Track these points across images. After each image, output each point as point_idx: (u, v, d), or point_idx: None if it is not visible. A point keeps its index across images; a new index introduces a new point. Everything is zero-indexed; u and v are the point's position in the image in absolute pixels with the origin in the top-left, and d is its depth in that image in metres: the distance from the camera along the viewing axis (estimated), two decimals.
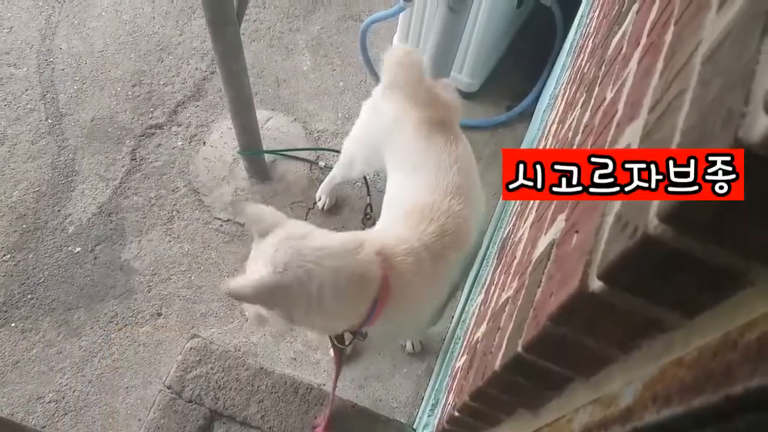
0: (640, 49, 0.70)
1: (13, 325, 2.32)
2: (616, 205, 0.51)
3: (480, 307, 1.48)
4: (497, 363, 0.82)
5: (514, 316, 0.84)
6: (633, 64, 0.71)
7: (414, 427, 1.93)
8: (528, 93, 2.83)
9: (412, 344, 2.30)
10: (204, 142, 2.75)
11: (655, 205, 0.41)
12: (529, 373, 0.77)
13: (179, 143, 2.75)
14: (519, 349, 0.72)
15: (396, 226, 1.63)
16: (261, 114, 2.60)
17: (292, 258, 1.37)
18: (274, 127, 2.80)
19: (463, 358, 1.37)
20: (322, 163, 2.69)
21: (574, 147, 0.95)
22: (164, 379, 1.82)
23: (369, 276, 1.46)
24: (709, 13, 0.46)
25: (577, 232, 0.63)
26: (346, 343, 1.74)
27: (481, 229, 1.83)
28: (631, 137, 0.57)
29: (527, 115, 2.80)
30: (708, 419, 0.42)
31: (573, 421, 0.67)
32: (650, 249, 0.42)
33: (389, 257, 1.50)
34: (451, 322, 2.31)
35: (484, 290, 1.56)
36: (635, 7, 0.88)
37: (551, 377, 0.73)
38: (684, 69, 0.47)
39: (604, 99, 0.82)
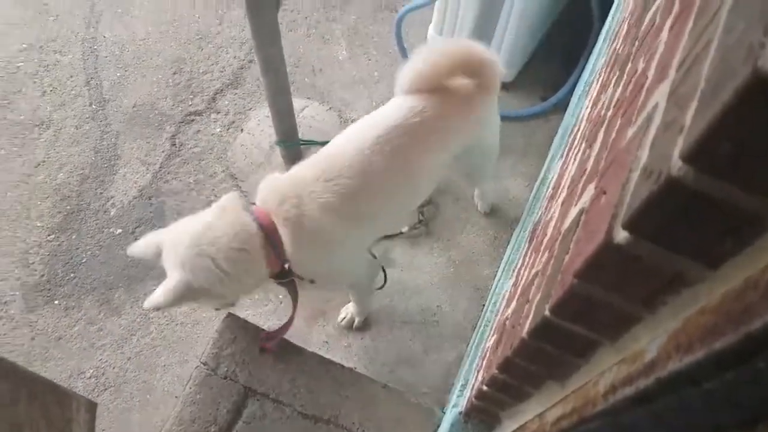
0: (672, 16, 0.71)
1: (56, 302, 2.40)
2: (643, 158, 0.53)
3: (510, 289, 1.49)
4: (525, 330, 0.84)
5: (543, 285, 0.86)
6: (664, 33, 0.71)
7: (444, 410, 1.95)
8: (563, 84, 2.82)
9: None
10: (241, 129, 2.80)
11: (678, 148, 0.42)
12: (556, 339, 0.78)
13: (217, 130, 2.80)
14: (546, 312, 0.73)
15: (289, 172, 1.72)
16: (297, 102, 2.63)
17: (184, 258, 1.53)
18: (310, 116, 2.84)
19: (493, 338, 1.38)
20: None
21: (605, 123, 0.95)
22: (200, 356, 1.86)
23: (243, 235, 1.57)
24: None
25: (605, 193, 0.64)
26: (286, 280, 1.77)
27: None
28: (658, 97, 0.58)
29: (562, 107, 2.79)
30: (729, 361, 0.43)
31: (599, 383, 0.69)
32: (673, 192, 0.43)
33: (262, 211, 1.61)
34: (482, 309, 2.32)
35: (514, 273, 1.57)
36: None
37: (578, 342, 0.74)
38: (711, 23, 0.48)
39: (636, 71, 0.83)
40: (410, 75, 1.72)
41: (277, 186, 1.66)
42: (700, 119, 0.39)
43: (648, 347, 0.57)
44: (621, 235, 0.52)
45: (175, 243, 1.57)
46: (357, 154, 1.63)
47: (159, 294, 1.51)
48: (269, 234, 1.60)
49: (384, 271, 2.07)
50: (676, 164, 0.42)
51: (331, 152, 1.69)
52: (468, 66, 1.72)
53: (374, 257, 2.01)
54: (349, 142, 1.68)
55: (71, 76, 2.94)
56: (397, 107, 1.71)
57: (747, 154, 0.38)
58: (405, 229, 2.53)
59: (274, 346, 1.88)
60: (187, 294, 1.54)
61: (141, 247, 1.65)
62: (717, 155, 0.39)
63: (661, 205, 0.46)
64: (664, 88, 0.57)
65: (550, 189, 1.64)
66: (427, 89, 1.72)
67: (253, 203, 1.69)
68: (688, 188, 0.42)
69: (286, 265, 1.66)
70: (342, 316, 2.33)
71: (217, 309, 1.94)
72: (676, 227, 0.47)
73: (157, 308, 1.53)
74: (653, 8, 0.93)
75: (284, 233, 1.60)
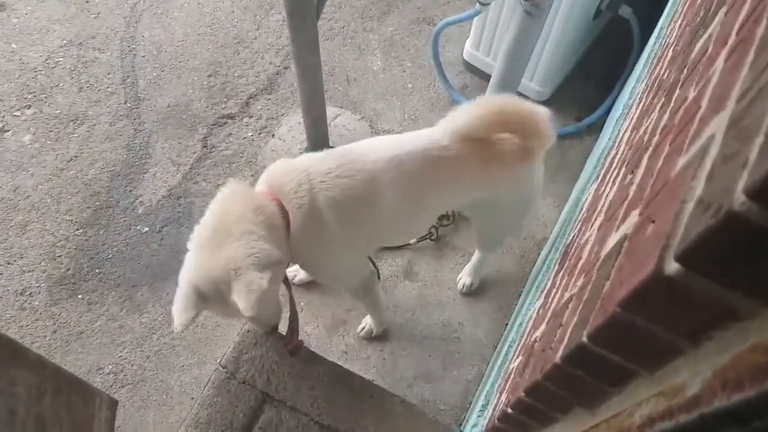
0: (727, 47, 0.70)
1: (80, 296, 2.42)
2: (698, 189, 0.51)
3: (539, 310, 1.47)
4: (558, 355, 0.82)
5: (579, 310, 0.84)
6: (719, 62, 0.70)
7: (462, 429, 1.93)
8: (599, 105, 2.80)
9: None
10: (273, 135, 2.81)
11: (742, 182, 0.41)
12: (591, 366, 0.76)
13: (249, 134, 2.82)
14: (583, 338, 0.72)
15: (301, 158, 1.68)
16: (330, 110, 2.64)
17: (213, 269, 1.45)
18: (341, 124, 2.84)
19: (518, 359, 1.36)
20: None
21: (650, 149, 0.94)
22: (219, 359, 1.87)
23: (267, 208, 1.54)
24: None
25: (653, 222, 0.63)
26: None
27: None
28: (715, 128, 0.56)
29: (596, 128, 2.77)
30: None
31: (634, 414, 0.67)
32: (734, 227, 0.42)
33: (272, 194, 1.58)
34: (504, 330, 2.30)
35: (543, 295, 1.55)
36: (723, 9, 0.87)
37: (614, 371, 0.72)
38: None
39: (686, 98, 0.81)
40: (457, 125, 1.63)
41: (290, 171, 1.63)
42: None
43: (689, 381, 0.56)
44: (672, 267, 0.51)
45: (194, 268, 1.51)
46: (372, 163, 1.62)
47: (182, 317, 1.44)
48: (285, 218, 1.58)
49: (376, 267, 2.03)
50: (738, 199, 0.41)
51: (350, 153, 1.67)
52: (520, 125, 1.63)
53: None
54: (371, 148, 1.67)
55: (108, 74, 2.98)
56: (425, 135, 1.68)
57: None
58: (413, 241, 2.52)
59: (299, 347, 1.88)
60: (275, 275, 1.48)
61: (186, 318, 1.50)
62: None
63: (718, 240, 0.45)
64: (722, 120, 0.55)
65: (584, 211, 1.63)
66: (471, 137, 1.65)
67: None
68: (750, 224, 0.41)
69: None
70: (361, 326, 2.33)
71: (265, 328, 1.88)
72: (733, 262, 0.46)
73: (188, 324, 1.45)
74: (704, 36, 0.91)
75: (294, 220, 1.59)
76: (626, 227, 0.79)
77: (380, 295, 2.16)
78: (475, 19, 2.69)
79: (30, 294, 2.42)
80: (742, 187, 0.41)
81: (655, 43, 2.06)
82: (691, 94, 0.79)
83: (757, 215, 0.40)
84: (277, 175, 1.64)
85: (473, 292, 2.43)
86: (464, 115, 1.61)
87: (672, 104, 0.93)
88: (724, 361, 0.51)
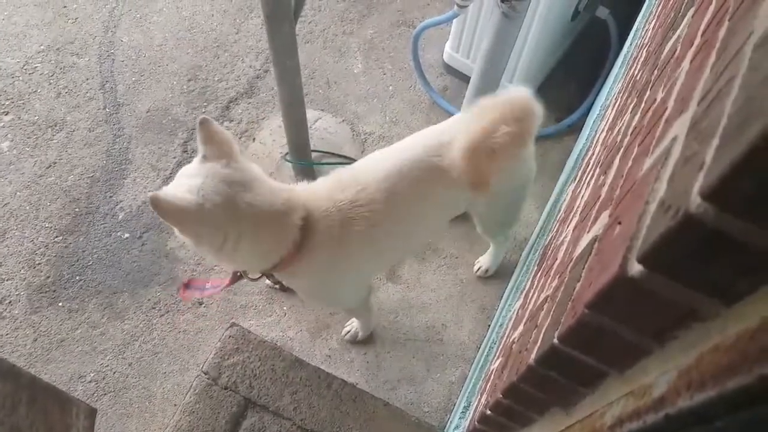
0: (693, 48, 0.71)
1: (60, 304, 2.40)
2: (661, 191, 0.52)
3: (518, 311, 1.48)
4: (532, 357, 0.83)
5: (552, 311, 0.85)
6: (685, 63, 0.71)
7: (445, 431, 1.93)
8: (578, 105, 2.81)
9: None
10: (254, 139, 2.80)
11: (698, 184, 0.41)
12: (564, 368, 0.77)
13: None
14: (554, 340, 0.72)
15: (323, 186, 1.65)
16: (310, 114, 2.64)
17: (224, 201, 1.40)
18: (322, 127, 2.84)
19: (498, 361, 1.37)
20: None
21: (621, 150, 0.95)
22: (201, 365, 1.86)
23: (287, 238, 1.51)
24: (765, 2, 0.46)
25: (620, 223, 0.63)
26: (256, 277, 1.73)
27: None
28: (678, 130, 0.57)
29: (576, 128, 2.79)
30: (741, 401, 0.42)
31: (605, 415, 0.67)
32: (691, 229, 0.43)
33: (311, 219, 1.55)
34: (487, 331, 2.31)
35: (522, 295, 1.56)
36: (691, 11, 0.88)
37: (585, 372, 0.73)
38: (735, 59, 0.47)
39: (655, 100, 0.82)
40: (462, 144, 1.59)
41: (321, 199, 1.61)
42: (723, 157, 0.39)
43: (656, 381, 0.56)
44: (635, 269, 0.51)
45: (233, 182, 1.43)
46: (383, 181, 1.61)
47: (175, 201, 1.36)
48: (292, 251, 1.55)
49: None
50: (695, 201, 0.42)
51: (360, 177, 1.64)
52: (509, 113, 1.59)
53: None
54: (377, 167, 1.66)
55: (87, 79, 2.96)
56: (429, 146, 1.65)
57: None
58: None
59: (189, 296, 1.83)
60: (187, 221, 1.41)
61: (221, 133, 1.47)
62: (738, 195, 0.38)
63: (678, 241, 0.45)
64: (684, 121, 0.56)
65: (561, 212, 1.64)
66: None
67: None
68: (706, 226, 0.41)
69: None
70: (346, 329, 2.32)
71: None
72: (693, 263, 0.47)
73: (162, 209, 1.34)
74: (673, 38, 0.92)
75: (319, 238, 1.57)
76: (597, 228, 0.79)
77: (371, 301, 2.16)
78: (454, 21, 2.70)
79: (9, 302, 2.40)
80: (698, 189, 0.41)
81: (631, 44, 2.08)
82: (660, 96, 0.80)
83: (713, 218, 0.41)
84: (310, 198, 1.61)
85: (456, 293, 2.44)
86: (466, 132, 1.59)
87: (643, 105, 0.94)
88: (689, 360, 0.51)
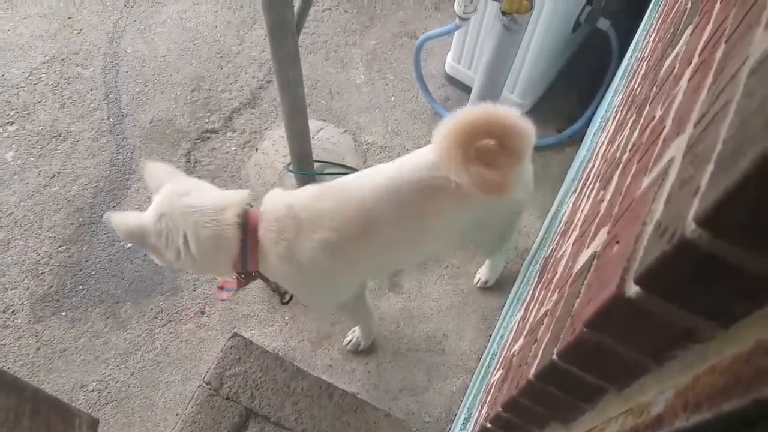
0: (691, 67, 0.71)
1: (63, 314, 2.41)
2: (658, 212, 0.53)
3: (518, 323, 1.48)
4: (532, 372, 0.83)
5: (552, 327, 0.85)
6: (683, 82, 0.72)
7: None
8: (579, 116, 2.82)
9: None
10: (256, 149, 2.82)
11: (693, 209, 0.42)
12: (563, 383, 0.77)
13: (233, 148, 2.82)
14: (554, 356, 0.73)
15: (296, 193, 1.73)
16: (313, 124, 2.65)
17: (167, 210, 1.57)
18: (325, 138, 2.85)
19: (499, 373, 1.37)
20: None
21: (621, 165, 0.95)
22: (203, 375, 1.86)
23: (225, 235, 1.60)
24: (759, 29, 0.47)
25: (618, 242, 0.64)
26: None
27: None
28: (675, 151, 0.58)
29: (577, 139, 2.79)
30: (735, 424, 0.43)
31: (604, 431, 0.68)
32: (687, 253, 0.43)
33: (255, 221, 1.64)
34: (488, 341, 2.31)
35: (523, 307, 1.56)
36: (689, 29, 0.89)
37: (585, 388, 0.73)
38: (731, 83, 0.48)
39: (654, 117, 0.83)
40: (441, 132, 1.58)
41: (281, 205, 1.66)
42: (717, 184, 0.39)
43: (655, 400, 0.57)
44: (633, 290, 0.52)
45: (173, 193, 1.61)
46: (368, 199, 1.62)
47: (124, 221, 1.59)
48: (248, 238, 1.62)
49: None
50: (690, 226, 0.42)
51: (346, 189, 1.66)
52: (496, 131, 1.60)
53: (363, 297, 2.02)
54: (365, 183, 1.66)
55: (91, 90, 2.98)
56: (419, 164, 1.65)
57: (764, 222, 0.37)
58: None
59: (224, 297, 1.95)
60: (138, 238, 1.60)
61: (152, 169, 1.72)
62: (732, 222, 0.39)
63: (673, 265, 0.46)
64: (681, 142, 0.57)
65: (562, 224, 1.64)
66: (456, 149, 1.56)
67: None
68: (701, 251, 0.42)
69: (253, 273, 1.71)
70: (348, 339, 2.33)
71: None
72: (689, 286, 0.47)
73: (115, 229, 1.58)
74: (672, 54, 0.93)
75: (272, 250, 1.62)
76: (596, 245, 0.80)
77: (369, 303, 2.16)
78: (456, 33, 2.71)
79: (13, 312, 2.41)
80: (693, 214, 0.42)
81: (631, 56, 2.08)
82: (658, 113, 0.81)
83: (708, 243, 0.41)
84: (270, 206, 1.67)
85: (458, 303, 2.44)
86: (444, 127, 1.59)
87: (642, 121, 0.95)
88: (687, 380, 0.52)
